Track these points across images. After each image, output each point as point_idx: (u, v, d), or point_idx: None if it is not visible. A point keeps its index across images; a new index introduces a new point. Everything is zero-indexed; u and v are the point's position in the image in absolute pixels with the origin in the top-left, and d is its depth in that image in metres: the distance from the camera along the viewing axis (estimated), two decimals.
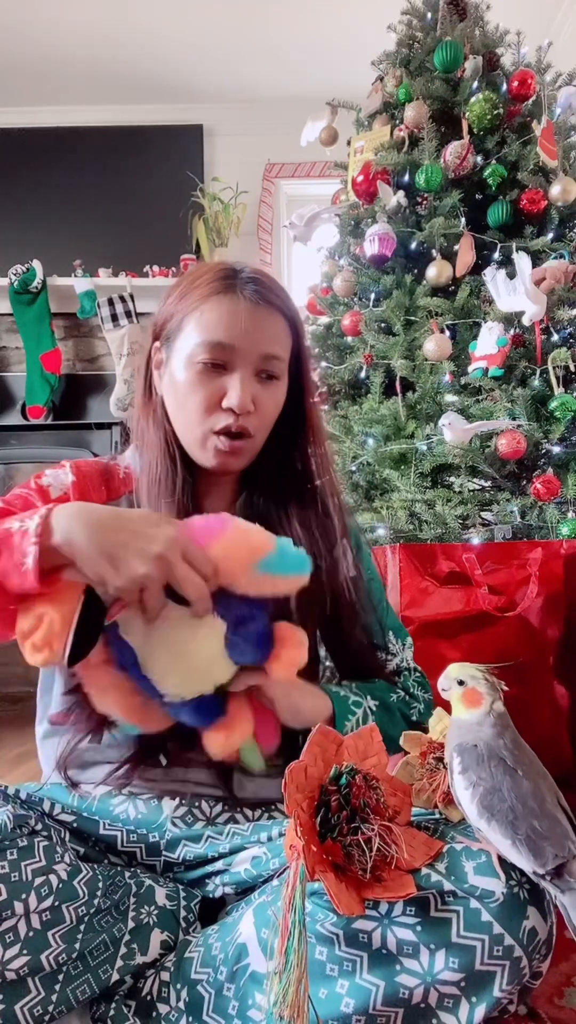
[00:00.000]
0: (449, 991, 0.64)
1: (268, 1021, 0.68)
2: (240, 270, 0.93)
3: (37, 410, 3.40)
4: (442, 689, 0.71)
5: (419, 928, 0.65)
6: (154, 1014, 0.75)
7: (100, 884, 0.79)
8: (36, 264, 3.38)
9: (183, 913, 0.83)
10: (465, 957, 0.63)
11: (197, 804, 0.87)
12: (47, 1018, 0.72)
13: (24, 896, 0.71)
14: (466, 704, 0.69)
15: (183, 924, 0.82)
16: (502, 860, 0.64)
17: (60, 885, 0.75)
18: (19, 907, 0.71)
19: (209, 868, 0.86)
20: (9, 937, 0.70)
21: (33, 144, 3.63)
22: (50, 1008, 0.72)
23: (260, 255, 3.67)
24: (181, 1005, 0.74)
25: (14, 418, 3.49)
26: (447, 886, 0.65)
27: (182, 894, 0.84)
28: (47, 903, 0.73)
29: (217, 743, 0.77)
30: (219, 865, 0.85)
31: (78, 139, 3.62)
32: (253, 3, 3.02)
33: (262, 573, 0.74)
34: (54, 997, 0.72)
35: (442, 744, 0.74)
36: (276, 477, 0.98)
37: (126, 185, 3.61)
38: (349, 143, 2.21)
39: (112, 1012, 0.76)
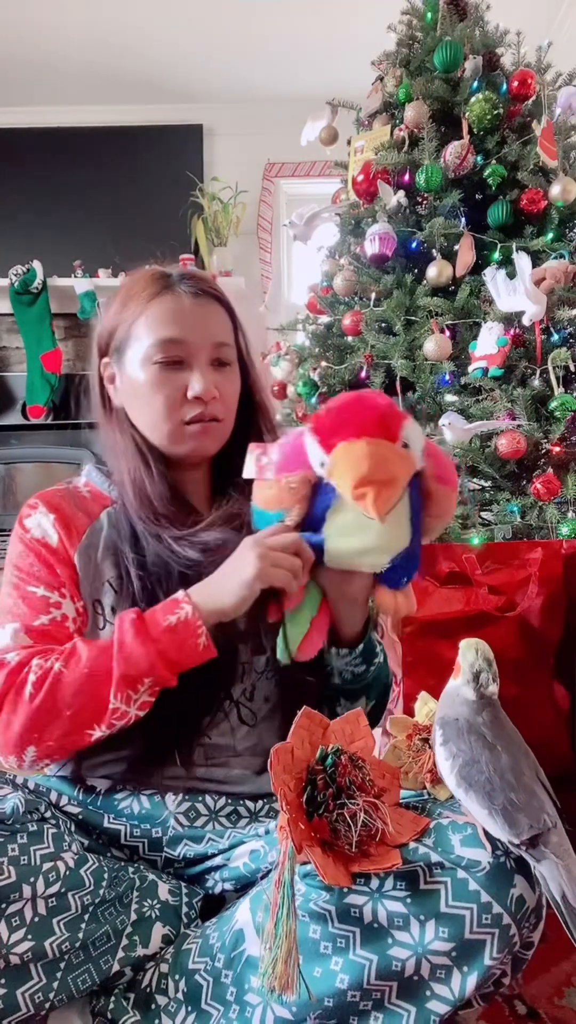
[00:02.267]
0: (440, 961, 0.65)
1: (263, 1000, 0.69)
2: (170, 272, 0.98)
3: (37, 410, 3.40)
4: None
5: (409, 900, 0.66)
6: (153, 1006, 0.76)
7: (105, 875, 0.80)
8: (36, 265, 3.38)
9: (185, 909, 0.84)
10: (454, 926, 0.64)
11: (200, 799, 0.88)
12: (47, 1005, 0.73)
13: (32, 880, 0.72)
14: (454, 674, 0.72)
15: (184, 920, 0.83)
16: (488, 832, 0.66)
17: (67, 872, 0.76)
18: (27, 890, 0.72)
19: (208, 864, 0.87)
20: (15, 921, 0.71)
21: (33, 144, 3.63)
22: (51, 995, 0.73)
23: (260, 254, 3.67)
24: (179, 995, 0.75)
25: (14, 418, 3.50)
26: (434, 858, 0.67)
27: (184, 890, 0.85)
28: (54, 889, 0.74)
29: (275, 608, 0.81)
30: (218, 860, 0.86)
31: (78, 139, 3.63)
32: (253, 3, 3.02)
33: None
34: (55, 984, 0.73)
35: (427, 727, 0.76)
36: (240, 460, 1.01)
37: (126, 185, 3.61)
38: (349, 143, 2.21)
39: (112, 1005, 0.77)
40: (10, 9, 3.05)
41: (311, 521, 0.79)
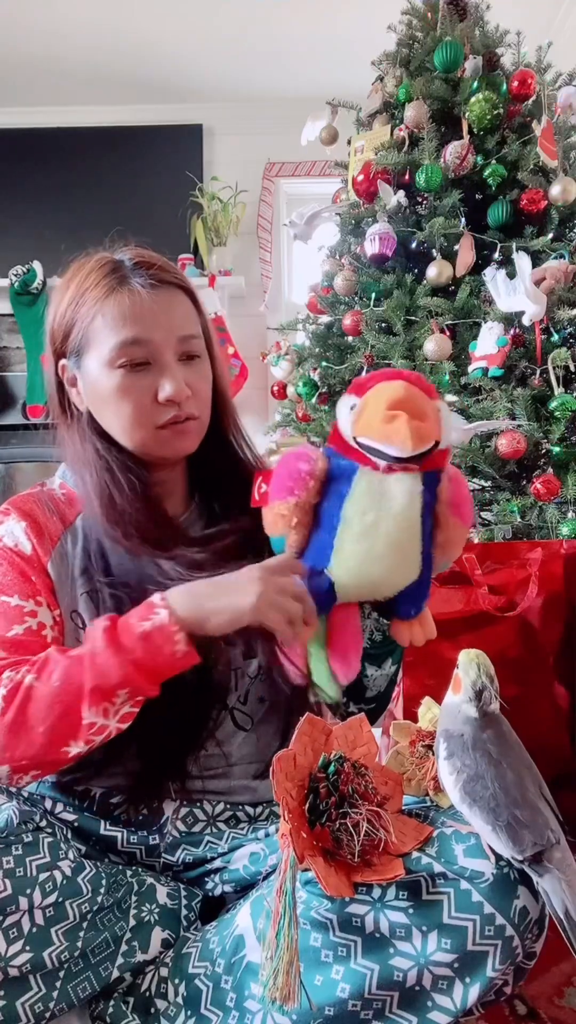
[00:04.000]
0: (442, 972, 0.64)
1: (263, 1008, 0.69)
2: (121, 260, 0.90)
3: (38, 409, 3.40)
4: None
5: (411, 911, 0.66)
6: (152, 1010, 0.76)
7: (103, 881, 0.79)
8: (36, 265, 3.38)
9: (184, 912, 0.83)
10: (457, 938, 0.64)
11: (199, 804, 0.87)
12: (47, 1015, 0.72)
13: (28, 891, 0.71)
14: (453, 688, 0.70)
15: (184, 923, 0.83)
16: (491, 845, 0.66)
17: (64, 881, 0.75)
18: (23, 902, 0.71)
19: (208, 866, 0.86)
20: (12, 933, 0.70)
21: (33, 144, 3.62)
22: (51, 1005, 0.72)
23: (260, 254, 3.67)
24: (179, 999, 0.75)
25: (15, 417, 3.49)
26: (437, 868, 0.66)
27: (183, 893, 0.85)
28: (51, 899, 0.73)
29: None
30: (218, 863, 0.86)
31: (78, 139, 3.62)
32: (253, 3, 3.02)
33: None
34: (55, 994, 0.72)
35: (430, 732, 0.76)
36: (219, 461, 0.97)
37: (126, 185, 3.61)
38: (349, 143, 2.21)
39: (111, 1009, 0.76)
40: (10, 9, 3.05)
41: (318, 545, 0.76)
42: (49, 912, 0.73)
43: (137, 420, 0.87)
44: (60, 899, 0.74)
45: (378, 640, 0.88)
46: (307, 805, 0.66)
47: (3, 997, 0.69)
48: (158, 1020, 0.75)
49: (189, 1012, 0.74)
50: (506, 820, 0.63)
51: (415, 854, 0.68)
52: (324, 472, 0.75)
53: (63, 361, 0.92)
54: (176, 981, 0.76)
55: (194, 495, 0.99)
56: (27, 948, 0.70)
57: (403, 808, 0.74)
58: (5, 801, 0.79)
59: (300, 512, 0.75)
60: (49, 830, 0.80)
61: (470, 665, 0.69)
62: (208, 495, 0.98)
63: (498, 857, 0.65)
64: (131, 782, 0.85)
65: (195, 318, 0.92)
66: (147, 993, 0.77)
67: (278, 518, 0.76)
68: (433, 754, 0.73)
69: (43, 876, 0.73)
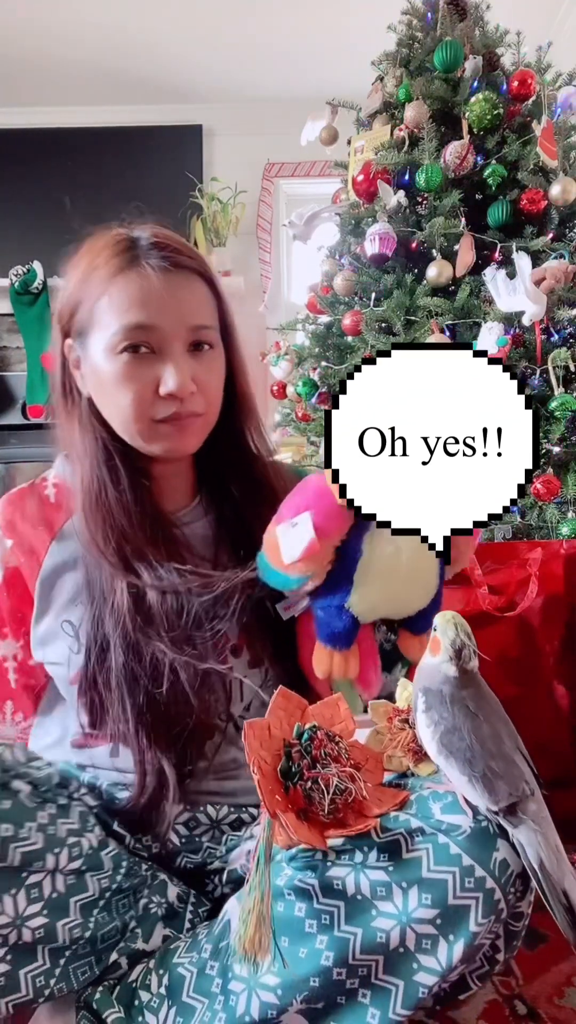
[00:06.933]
0: (425, 930, 0.63)
1: (247, 986, 0.68)
2: (138, 237, 0.84)
3: (38, 409, 3.40)
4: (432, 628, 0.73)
5: (391, 869, 0.65)
6: (136, 1002, 0.75)
7: (124, 863, 0.79)
8: (36, 265, 3.38)
9: (189, 915, 0.83)
10: (437, 892, 0.63)
11: (202, 809, 0.86)
12: (46, 992, 0.72)
13: (57, 851, 0.71)
14: (431, 649, 0.70)
15: (188, 925, 0.82)
16: (468, 800, 0.66)
17: (90, 851, 0.75)
18: (51, 861, 0.71)
19: (208, 868, 0.86)
20: (34, 892, 0.70)
21: (33, 144, 3.62)
22: (51, 982, 0.72)
23: (260, 254, 3.67)
24: (162, 990, 0.74)
25: (15, 417, 3.49)
26: (415, 824, 0.66)
27: (192, 899, 0.84)
28: (76, 864, 0.73)
29: (323, 663, 0.78)
30: (216, 864, 0.86)
31: (78, 139, 3.62)
32: (253, 3, 3.02)
33: None
34: (57, 971, 0.72)
35: (407, 710, 0.76)
36: (230, 456, 0.93)
37: (126, 186, 3.61)
38: (349, 143, 2.21)
39: (97, 996, 0.76)
40: (10, 9, 3.05)
41: (336, 579, 0.76)
42: (71, 880, 0.73)
43: (135, 412, 0.82)
44: (83, 867, 0.73)
45: (387, 649, 0.88)
46: (280, 769, 0.66)
47: (9, 962, 0.69)
48: (142, 1012, 0.74)
49: (171, 1002, 0.73)
50: (481, 771, 0.63)
51: (393, 814, 0.67)
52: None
53: (68, 340, 0.87)
54: (160, 972, 0.76)
55: (202, 488, 0.95)
56: (44, 912, 0.70)
57: (383, 784, 0.73)
58: (48, 767, 0.80)
59: (329, 553, 0.74)
60: (79, 802, 0.81)
61: (448, 625, 0.69)
62: (216, 490, 0.94)
63: (475, 812, 0.65)
64: (137, 789, 0.83)
65: (211, 307, 0.86)
66: (133, 984, 0.77)
67: (312, 561, 0.74)
68: (410, 727, 0.73)
69: (72, 840, 0.73)
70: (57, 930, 0.71)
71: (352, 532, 0.75)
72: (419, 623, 0.79)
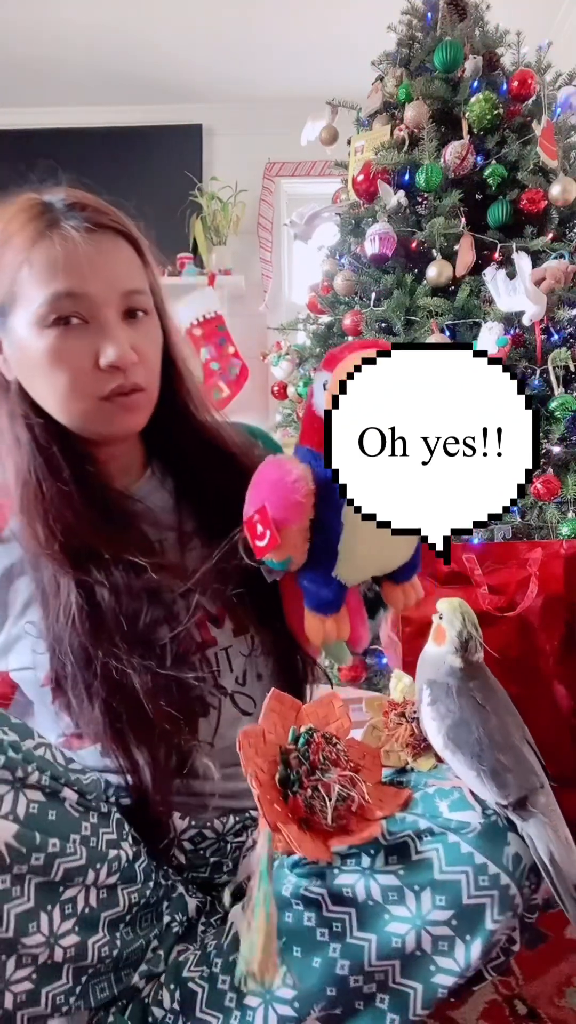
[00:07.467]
0: (441, 932, 0.62)
1: (263, 1000, 0.67)
2: (51, 201, 0.79)
3: None
4: (434, 616, 0.71)
5: (401, 872, 0.63)
6: (150, 1019, 0.73)
7: (153, 875, 0.76)
8: None
9: (201, 928, 0.81)
10: (451, 893, 0.62)
11: (208, 824, 0.82)
12: (64, 1008, 0.69)
13: (98, 867, 0.68)
14: (435, 639, 0.69)
15: (200, 939, 0.80)
16: (475, 794, 0.65)
17: (126, 863, 0.71)
18: (91, 876, 0.67)
19: (216, 880, 0.85)
20: (68, 909, 0.66)
21: (33, 144, 3.62)
22: (71, 1000, 0.69)
23: (260, 253, 3.67)
24: (175, 1006, 0.72)
25: None
26: (423, 824, 0.64)
27: (206, 908, 0.83)
28: (113, 879, 0.70)
29: (316, 630, 0.77)
30: (224, 879, 0.84)
31: (78, 139, 3.62)
32: (253, 3, 3.01)
33: None
34: (78, 990, 0.69)
35: (403, 703, 0.75)
36: (177, 426, 0.88)
37: (126, 185, 3.60)
38: (349, 143, 2.21)
39: (111, 1019, 0.74)
40: (10, 9, 3.05)
41: (320, 552, 0.75)
42: (103, 895, 0.70)
43: (75, 390, 0.75)
44: (117, 881, 0.70)
45: (371, 598, 0.86)
46: (278, 777, 0.65)
47: (34, 981, 0.65)
48: None
49: (184, 1018, 0.71)
50: (491, 764, 0.62)
51: (399, 815, 0.66)
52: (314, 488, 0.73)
53: None
54: (172, 987, 0.74)
55: (152, 459, 0.90)
56: (76, 929, 0.66)
57: (382, 781, 0.72)
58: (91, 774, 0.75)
59: (303, 535, 0.74)
60: (117, 808, 0.77)
61: (455, 615, 0.67)
62: (169, 460, 0.89)
63: (484, 807, 0.64)
64: (137, 781, 0.80)
65: (141, 270, 0.80)
66: (145, 1000, 0.75)
67: (284, 549, 0.74)
68: (407, 720, 0.72)
69: (112, 853, 0.70)
70: (88, 949, 0.68)
71: (327, 505, 0.73)
72: (402, 574, 0.79)
